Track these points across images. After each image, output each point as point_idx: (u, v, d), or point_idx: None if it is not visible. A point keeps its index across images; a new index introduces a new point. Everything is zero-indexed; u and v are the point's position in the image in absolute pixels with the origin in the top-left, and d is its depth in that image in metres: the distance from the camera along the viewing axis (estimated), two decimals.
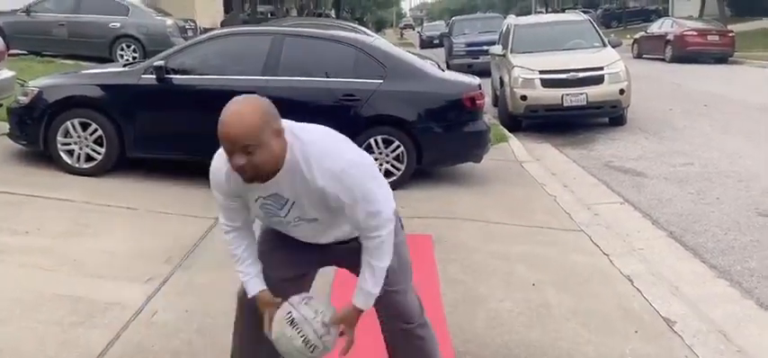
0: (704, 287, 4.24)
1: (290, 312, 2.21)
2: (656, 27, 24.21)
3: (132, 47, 13.36)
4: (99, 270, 4.07)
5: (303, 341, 2.18)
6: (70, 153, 6.17)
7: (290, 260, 2.39)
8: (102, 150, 6.17)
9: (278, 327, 2.22)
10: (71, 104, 6.24)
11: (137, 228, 4.87)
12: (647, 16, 41.08)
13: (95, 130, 6.16)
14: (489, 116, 8.05)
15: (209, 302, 3.65)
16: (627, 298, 3.93)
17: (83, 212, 5.13)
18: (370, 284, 2.19)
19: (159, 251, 4.39)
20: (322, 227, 2.23)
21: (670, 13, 35.86)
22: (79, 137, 6.16)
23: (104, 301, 3.59)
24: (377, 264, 2.17)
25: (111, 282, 3.91)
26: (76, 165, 6.16)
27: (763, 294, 4.11)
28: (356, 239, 2.23)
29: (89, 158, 6.18)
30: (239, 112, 1.97)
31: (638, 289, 4.06)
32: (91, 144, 6.17)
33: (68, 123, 6.15)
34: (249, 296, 2.33)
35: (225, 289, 3.83)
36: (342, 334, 2.25)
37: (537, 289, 3.99)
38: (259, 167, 1.98)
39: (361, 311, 2.23)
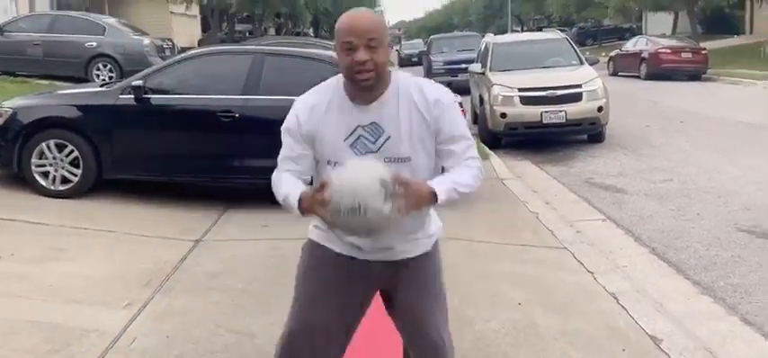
0: (688, 303, 4.24)
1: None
2: (631, 45, 24.59)
3: (108, 66, 13.22)
4: (76, 295, 3.96)
5: (371, 180, 1.90)
6: (45, 175, 6.04)
7: (342, 302, 2.24)
8: (79, 172, 6.06)
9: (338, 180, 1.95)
10: (46, 125, 6.13)
11: (115, 252, 4.76)
12: (621, 34, 41.78)
13: (71, 152, 6.05)
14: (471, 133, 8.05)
15: (190, 327, 3.56)
16: (613, 316, 3.91)
17: (59, 236, 5.01)
18: (457, 178, 2.09)
19: (138, 275, 4.29)
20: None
21: (644, 32, 36.48)
22: (55, 158, 6.04)
23: (81, 328, 3.49)
24: (465, 180, 2.11)
25: (89, 308, 3.81)
26: (52, 188, 6.03)
27: (747, 310, 4.13)
28: (417, 260, 2.23)
29: (65, 180, 6.06)
30: (365, 11, 2.12)
31: (623, 306, 4.04)
32: (67, 165, 6.06)
33: (43, 144, 6.04)
34: (296, 200, 2.10)
35: (206, 314, 3.76)
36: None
37: (523, 308, 3.96)
38: (379, 66, 2.04)
39: (434, 196, 2.03)
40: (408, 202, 1.98)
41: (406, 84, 2.15)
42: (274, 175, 2.24)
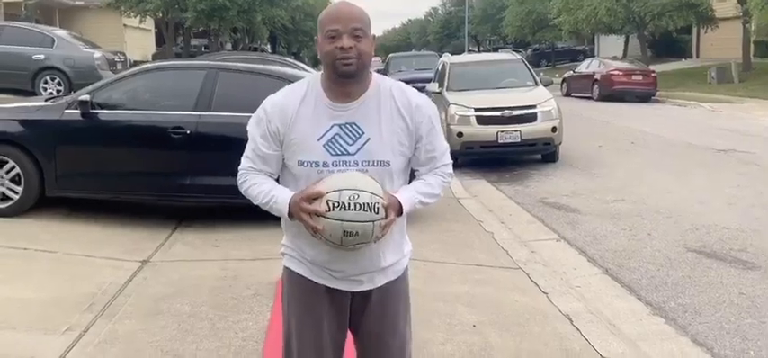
0: (641, 325, 4.27)
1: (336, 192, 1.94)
2: (584, 67, 25.14)
3: (57, 80, 12.82)
4: (11, 320, 3.76)
5: (359, 205, 1.90)
6: None
7: (324, 341, 2.18)
8: (20, 189, 5.81)
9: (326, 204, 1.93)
10: None
11: (55, 274, 4.55)
12: (574, 56, 42.77)
13: (12, 168, 5.80)
14: None
15: (134, 354, 3.40)
16: (567, 338, 3.90)
17: None
18: (423, 188, 2.12)
19: (79, 298, 4.10)
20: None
21: (596, 54, 37.42)
22: None
23: (17, 356, 3.29)
24: (432, 190, 2.15)
25: (25, 334, 3.61)
26: None
27: (696, 331, 4.17)
28: (389, 286, 2.18)
29: (4, 198, 5.81)
30: (350, 3, 2.06)
31: (577, 328, 4.04)
32: (7, 182, 5.81)
33: None
34: (285, 205, 2.01)
35: (151, 339, 3.60)
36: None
37: (478, 330, 3.91)
38: (363, 55, 2.00)
39: (400, 209, 2.02)
40: (390, 220, 1.98)
41: (388, 85, 2.11)
42: (242, 174, 2.12)
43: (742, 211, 7.10)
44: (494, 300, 4.48)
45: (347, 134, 2.03)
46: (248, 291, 4.34)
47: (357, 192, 1.91)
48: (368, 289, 2.16)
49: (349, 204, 1.90)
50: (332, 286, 2.15)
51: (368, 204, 1.92)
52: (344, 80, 2.02)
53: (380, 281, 2.17)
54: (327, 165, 2.01)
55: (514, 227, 6.67)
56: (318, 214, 1.93)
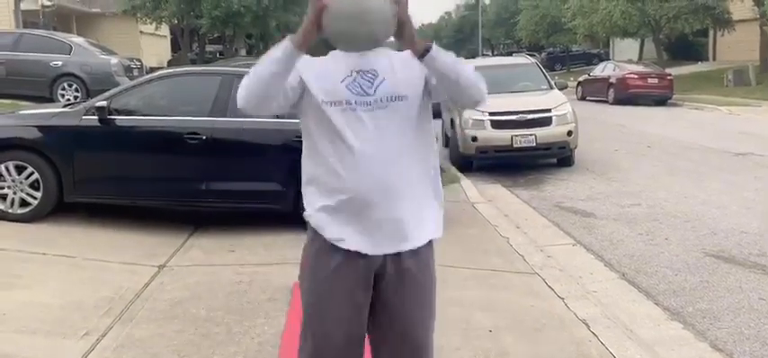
0: (659, 330, 4.23)
1: None
2: (599, 70, 24.99)
3: (74, 86, 12.95)
4: (31, 325, 3.79)
5: None
6: (3, 198, 5.84)
7: (348, 314, 2.19)
8: (39, 195, 5.87)
9: None
10: (6, 147, 5.94)
11: (74, 279, 4.59)
12: (589, 59, 42.54)
13: (31, 174, 5.86)
14: (442, 157, 8.06)
15: None
16: (584, 343, 3.87)
17: (15, 262, 4.82)
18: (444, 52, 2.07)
19: (97, 303, 4.14)
20: (402, 131, 2.11)
21: (611, 57, 37.19)
22: (13, 180, 5.84)
23: None
24: (469, 72, 2.09)
25: (44, 338, 3.64)
26: (10, 211, 5.84)
27: (716, 336, 4.12)
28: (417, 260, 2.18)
29: (24, 203, 5.87)
30: None
31: (594, 333, 4.01)
32: (26, 188, 5.87)
33: (2, 166, 5.85)
34: (287, 40, 2.01)
35: (168, 343, 3.62)
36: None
37: (494, 336, 3.90)
38: None
39: (426, 48, 2.02)
40: (407, 21, 1.98)
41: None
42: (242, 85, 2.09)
43: (761, 215, 7.02)
44: (510, 306, 4.46)
45: (364, 78, 2.11)
46: (264, 296, 4.35)
47: None
48: (391, 253, 2.16)
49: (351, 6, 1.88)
50: (354, 249, 2.14)
51: None
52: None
53: (417, 236, 2.18)
54: (350, 104, 2.09)
55: (530, 231, 6.64)
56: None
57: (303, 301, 2.26)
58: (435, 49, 2.04)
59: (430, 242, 2.27)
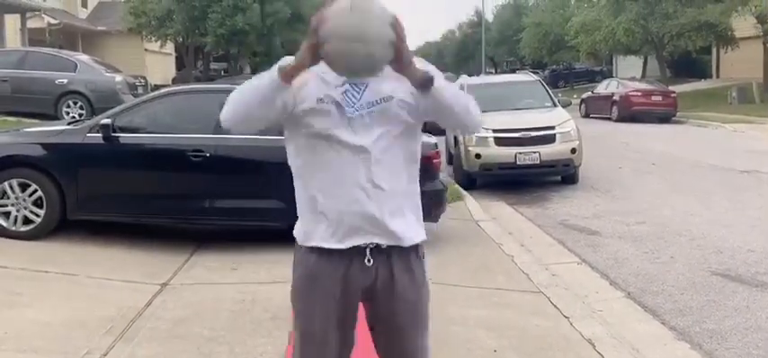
0: (666, 350, 4.18)
1: None
2: (603, 88, 25.01)
3: (79, 104, 13.00)
4: (32, 343, 3.77)
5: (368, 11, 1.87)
6: (6, 215, 5.84)
7: (333, 304, 2.14)
8: (42, 212, 5.86)
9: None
10: (10, 164, 5.94)
11: (76, 297, 4.57)
12: (592, 77, 42.57)
13: (35, 191, 5.86)
14: (445, 175, 8.05)
15: None
16: None
17: (17, 280, 4.80)
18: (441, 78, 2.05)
19: (99, 321, 4.11)
20: (388, 134, 2.07)
21: (614, 74, 37.23)
22: (17, 198, 5.84)
23: None
24: (468, 102, 2.12)
25: (45, 357, 3.61)
26: (13, 229, 5.83)
27: (723, 357, 4.08)
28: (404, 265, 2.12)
29: (27, 221, 5.86)
30: None
31: (600, 353, 3.97)
32: (30, 206, 5.86)
33: (6, 184, 5.85)
34: (279, 75, 1.97)
35: None
36: None
37: (499, 356, 3.85)
38: None
39: (429, 78, 2.00)
40: (405, 48, 1.95)
41: None
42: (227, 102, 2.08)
43: (767, 233, 6.97)
44: (514, 325, 4.42)
45: (355, 88, 2.07)
46: (266, 315, 4.32)
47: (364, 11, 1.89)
48: (378, 243, 2.09)
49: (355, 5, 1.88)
50: (344, 247, 2.08)
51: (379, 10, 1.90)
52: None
53: (399, 234, 2.11)
54: (340, 107, 2.05)
55: (535, 249, 6.60)
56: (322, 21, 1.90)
57: (294, 316, 2.24)
58: (438, 84, 2.02)
59: (419, 255, 2.21)
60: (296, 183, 2.17)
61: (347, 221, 2.07)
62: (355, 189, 2.06)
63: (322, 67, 2.02)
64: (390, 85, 2.09)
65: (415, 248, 2.18)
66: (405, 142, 2.14)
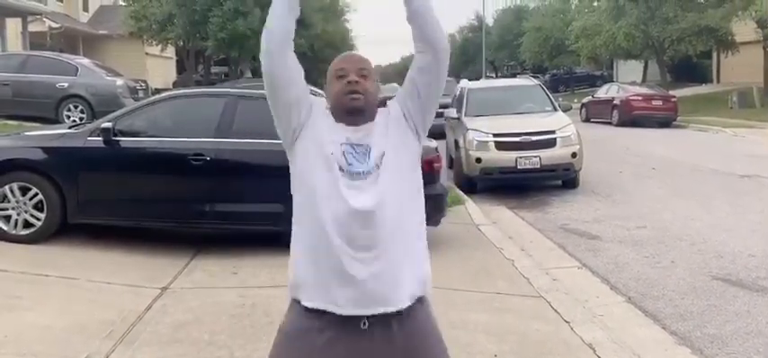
0: (667, 355, 4.18)
1: None
2: (603, 92, 24.98)
3: (80, 108, 13.00)
4: (32, 347, 3.76)
5: None
6: (7, 219, 5.84)
7: None
8: (43, 216, 5.86)
9: None
10: (10, 168, 5.94)
11: (76, 301, 4.57)
12: (592, 81, 42.57)
13: (35, 195, 5.86)
14: (446, 179, 8.05)
15: None
16: None
17: (17, 283, 4.80)
18: None
19: (99, 325, 4.11)
20: (392, 186, 2.04)
21: (615, 79, 37.24)
22: (18, 201, 5.84)
23: None
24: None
25: None
26: (13, 232, 5.83)
27: None
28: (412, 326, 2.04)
29: (27, 224, 5.86)
30: (356, 52, 2.29)
31: None
32: (30, 209, 5.86)
33: (6, 188, 5.85)
34: None
35: None
36: None
37: None
38: (368, 94, 2.10)
39: None
40: None
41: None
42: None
43: None
44: (515, 329, 4.41)
45: (355, 149, 2.07)
46: (266, 319, 4.31)
47: None
48: (385, 312, 2.00)
49: None
50: (346, 313, 1.99)
51: None
52: (352, 118, 2.08)
53: (403, 292, 2.03)
54: (342, 169, 2.04)
55: (535, 254, 6.59)
56: None
57: None
58: None
59: (423, 303, 2.11)
60: None
61: None
62: None
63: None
64: (394, 136, 2.11)
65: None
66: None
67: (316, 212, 2.02)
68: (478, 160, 9.94)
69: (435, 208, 6.34)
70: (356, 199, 2.00)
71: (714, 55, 34.19)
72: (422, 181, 2.17)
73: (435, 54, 2.15)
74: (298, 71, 2.15)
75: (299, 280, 2.07)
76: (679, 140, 17.26)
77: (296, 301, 2.10)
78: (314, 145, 2.07)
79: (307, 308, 2.05)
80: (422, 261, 2.12)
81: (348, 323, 2.01)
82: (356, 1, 58.45)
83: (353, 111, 2.07)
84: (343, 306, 2.00)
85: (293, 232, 2.11)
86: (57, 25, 25.51)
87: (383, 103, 2.20)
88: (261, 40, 2.15)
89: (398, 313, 2.03)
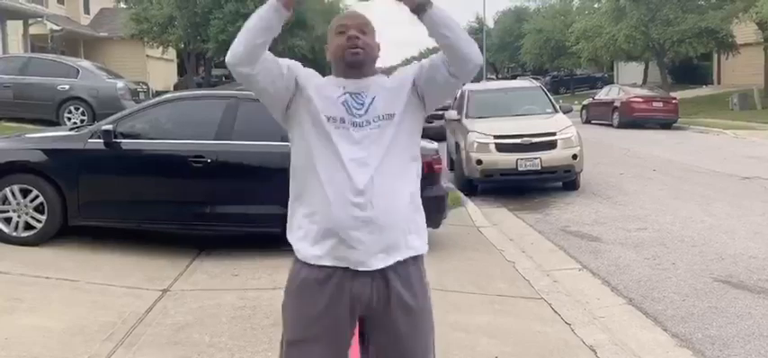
0: (667, 356, 4.17)
1: None
2: (604, 94, 24.99)
3: (81, 110, 13.02)
4: (33, 349, 3.76)
5: None
6: (7, 221, 5.84)
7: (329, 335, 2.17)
8: (43, 218, 5.86)
9: None
10: (11, 170, 5.94)
11: (76, 303, 4.56)
12: (593, 83, 42.59)
13: (36, 197, 5.86)
14: (447, 181, 8.06)
15: None
16: None
17: (18, 285, 4.80)
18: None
19: (100, 327, 4.11)
20: (390, 149, 2.13)
21: (615, 81, 37.25)
22: (18, 204, 5.84)
23: None
24: (458, 23, 2.17)
25: None
26: (14, 234, 5.83)
27: None
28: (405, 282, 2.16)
29: (28, 227, 5.86)
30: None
31: None
32: (31, 211, 5.86)
33: (7, 190, 5.85)
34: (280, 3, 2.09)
35: None
36: None
37: None
38: (368, 46, 2.18)
39: (424, 2, 2.10)
40: None
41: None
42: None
43: None
44: (516, 331, 4.41)
45: (355, 99, 2.17)
46: (267, 321, 4.31)
47: None
48: (383, 267, 2.13)
49: None
50: (343, 266, 2.12)
51: None
52: (352, 71, 2.18)
53: (395, 255, 2.14)
54: (344, 122, 2.14)
55: (536, 256, 6.59)
56: None
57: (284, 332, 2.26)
58: (436, 7, 2.12)
59: (418, 263, 2.23)
60: None
61: None
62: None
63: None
64: (394, 97, 2.20)
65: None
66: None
67: (313, 168, 2.14)
68: (479, 162, 9.94)
69: (436, 209, 6.34)
70: (353, 152, 2.12)
71: (715, 57, 34.20)
72: (419, 148, 2.27)
73: (466, 65, 2.17)
74: (274, 63, 2.17)
75: (300, 234, 2.18)
76: (680, 142, 17.25)
77: (298, 259, 2.21)
78: (308, 114, 2.16)
79: (308, 264, 2.16)
80: (418, 217, 2.25)
81: (349, 273, 2.14)
82: (357, 3, 58.38)
83: (354, 64, 2.17)
84: (344, 257, 2.12)
85: (291, 194, 2.22)
86: (58, 28, 25.54)
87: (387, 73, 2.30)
88: (227, 58, 2.15)
89: (396, 264, 2.16)
